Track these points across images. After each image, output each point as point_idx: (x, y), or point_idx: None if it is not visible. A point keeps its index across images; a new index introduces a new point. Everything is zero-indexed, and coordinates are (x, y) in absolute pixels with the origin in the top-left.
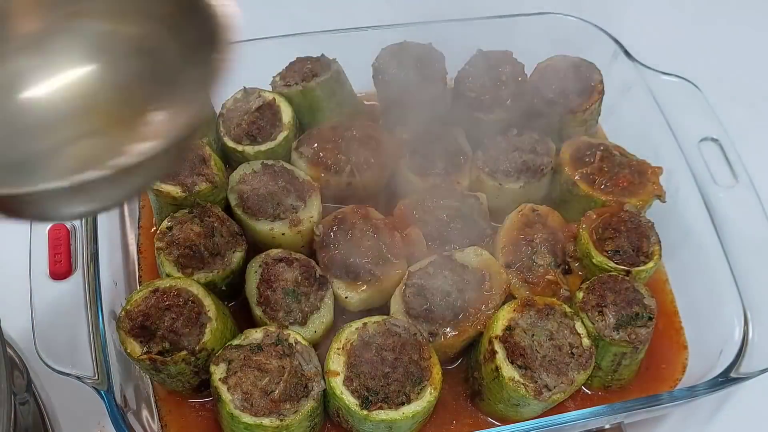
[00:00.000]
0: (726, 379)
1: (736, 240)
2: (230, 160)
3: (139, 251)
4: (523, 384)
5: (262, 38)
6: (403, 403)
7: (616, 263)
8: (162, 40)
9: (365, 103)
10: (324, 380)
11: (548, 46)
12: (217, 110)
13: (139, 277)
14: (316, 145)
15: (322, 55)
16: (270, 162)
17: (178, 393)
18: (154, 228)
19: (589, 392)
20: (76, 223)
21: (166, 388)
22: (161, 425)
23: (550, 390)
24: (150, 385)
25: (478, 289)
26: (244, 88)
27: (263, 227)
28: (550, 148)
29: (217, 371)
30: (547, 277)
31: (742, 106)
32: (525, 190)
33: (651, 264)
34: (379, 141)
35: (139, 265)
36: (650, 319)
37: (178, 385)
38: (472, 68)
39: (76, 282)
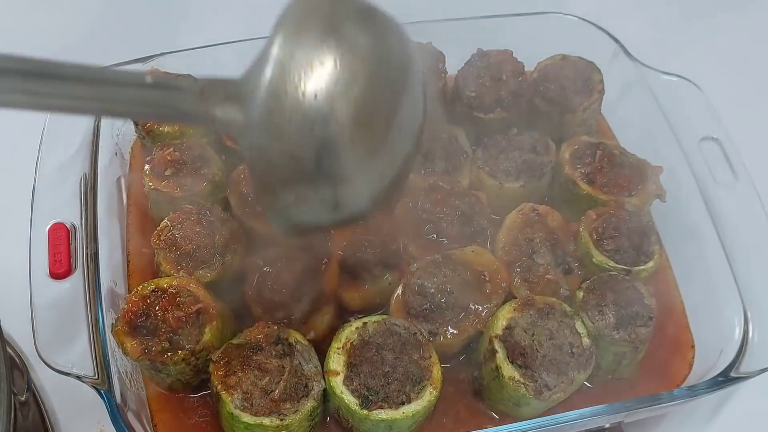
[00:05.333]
0: (726, 378)
1: (736, 240)
2: (230, 159)
3: (127, 254)
4: (523, 383)
5: (263, 38)
6: (403, 403)
7: (617, 263)
8: None
9: None
10: (324, 380)
11: (548, 45)
12: None
13: (128, 276)
14: None
15: None
16: None
17: (176, 392)
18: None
19: (590, 385)
20: (76, 222)
21: (164, 388)
22: (153, 425)
23: (550, 389)
24: (142, 384)
25: (478, 288)
26: None
27: (263, 227)
28: (550, 148)
29: (217, 371)
30: (547, 276)
31: (742, 106)
32: (525, 190)
33: (651, 263)
34: None
35: (128, 264)
36: (650, 318)
37: (178, 384)
38: (472, 68)
39: (76, 282)
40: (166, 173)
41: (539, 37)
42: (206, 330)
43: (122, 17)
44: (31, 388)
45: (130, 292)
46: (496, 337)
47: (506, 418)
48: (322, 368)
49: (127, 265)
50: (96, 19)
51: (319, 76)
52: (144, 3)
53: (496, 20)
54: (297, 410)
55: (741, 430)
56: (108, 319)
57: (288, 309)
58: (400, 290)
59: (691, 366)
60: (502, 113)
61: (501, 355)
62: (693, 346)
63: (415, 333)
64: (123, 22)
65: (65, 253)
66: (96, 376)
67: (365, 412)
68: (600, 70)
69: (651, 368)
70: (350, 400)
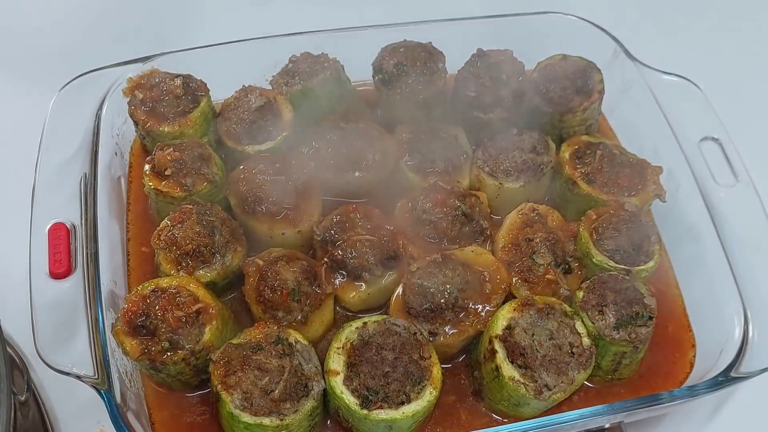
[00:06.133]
0: (726, 378)
1: (736, 239)
2: (230, 159)
3: (127, 253)
4: (523, 383)
5: (263, 37)
6: (403, 403)
7: (617, 263)
8: None
9: (365, 101)
10: (324, 379)
11: (548, 45)
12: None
13: (128, 276)
14: (316, 144)
15: (322, 54)
16: (270, 161)
17: (175, 391)
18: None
19: (591, 385)
20: (76, 222)
21: (163, 387)
22: (151, 423)
23: (550, 389)
24: (141, 384)
25: (478, 288)
26: (245, 86)
27: (263, 227)
28: (550, 148)
29: (217, 371)
30: (547, 276)
31: (742, 106)
32: (525, 190)
33: (651, 263)
34: (380, 140)
35: (128, 264)
36: (650, 318)
37: (178, 384)
38: (472, 67)
39: (76, 282)
40: (166, 173)
41: (539, 37)
42: (206, 330)
43: (122, 17)
44: (31, 388)
45: (129, 291)
46: (496, 337)
47: (506, 418)
48: (322, 368)
49: (127, 265)
50: (96, 19)
51: None
52: (144, 3)
53: (496, 20)
54: (297, 410)
55: (741, 430)
56: (108, 319)
57: (288, 309)
58: (400, 290)
59: (691, 366)
60: (502, 113)
61: (501, 355)
62: (694, 346)
63: (415, 333)
64: (123, 22)
65: (65, 253)
66: (96, 376)
67: (365, 412)
68: (600, 70)
69: (651, 368)
70: (350, 400)
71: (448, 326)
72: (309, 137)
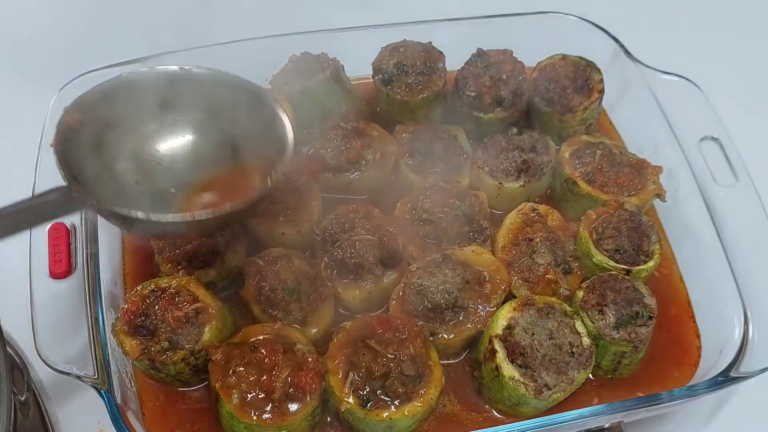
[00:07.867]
0: (726, 378)
1: (736, 239)
2: None
3: (127, 253)
4: (523, 383)
5: (262, 37)
6: (403, 402)
7: (617, 262)
8: (241, 135)
9: (365, 101)
10: (324, 379)
11: (548, 45)
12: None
13: (128, 276)
14: (316, 144)
15: (322, 53)
16: None
17: (173, 391)
18: None
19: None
20: (77, 222)
21: (163, 387)
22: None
23: (550, 389)
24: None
25: (478, 288)
26: None
27: (263, 227)
28: (550, 147)
29: (217, 370)
30: (547, 276)
31: (742, 106)
32: (525, 189)
33: (651, 263)
34: (380, 140)
35: (127, 264)
36: (650, 318)
37: (178, 384)
38: (472, 68)
39: (76, 282)
40: None
41: (539, 37)
42: (206, 330)
43: (122, 17)
44: (31, 387)
45: (129, 291)
46: (496, 336)
47: (506, 417)
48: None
49: (127, 265)
50: (96, 19)
51: None
52: (144, 3)
53: (496, 20)
54: (297, 410)
55: (741, 430)
56: (108, 318)
57: (287, 308)
58: (400, 290)
59: (693, 365)
60: (502, 113)
61: (501, 355)
62: (698, 347)
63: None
64: (123, 22)
65: (65, 253)
66: (96, 376)
67: (365, 412)
68: (600, 70)
69: (652, 368)
70: (350, 400)
71: (448, 326)
72: (309, 137)
